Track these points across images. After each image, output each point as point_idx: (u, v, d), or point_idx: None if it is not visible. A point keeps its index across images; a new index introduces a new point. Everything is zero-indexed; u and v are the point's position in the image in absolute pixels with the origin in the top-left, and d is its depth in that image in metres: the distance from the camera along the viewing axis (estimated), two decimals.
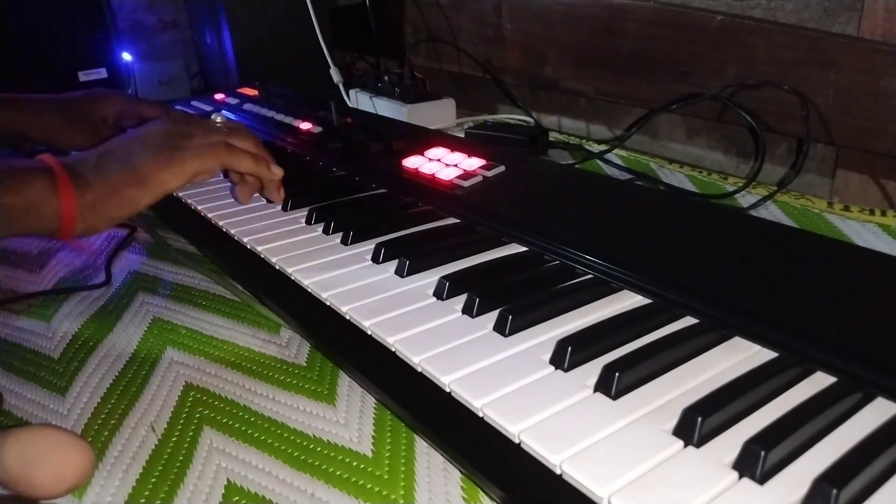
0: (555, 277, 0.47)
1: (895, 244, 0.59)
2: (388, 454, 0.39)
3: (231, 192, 0.64)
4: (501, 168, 0.62)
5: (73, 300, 0.59)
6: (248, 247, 0.57)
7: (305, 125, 0.85)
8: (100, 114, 0.77)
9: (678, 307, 0.42)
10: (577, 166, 0.83)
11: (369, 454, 0.39)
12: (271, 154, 0.60)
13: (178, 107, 1.09)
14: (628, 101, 0.94)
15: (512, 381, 0.36)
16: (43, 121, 0.73)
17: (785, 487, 0.28)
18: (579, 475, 0.29)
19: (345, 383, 0.45)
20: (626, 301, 0.44)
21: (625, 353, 0.37)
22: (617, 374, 0.35)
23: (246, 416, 0.43)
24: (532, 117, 1.04)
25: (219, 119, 0.63)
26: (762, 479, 0.29)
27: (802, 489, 0.28)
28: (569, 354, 0.37)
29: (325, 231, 0.58)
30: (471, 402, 0.35)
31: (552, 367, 0.37)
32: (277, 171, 0.60)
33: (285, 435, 0.41)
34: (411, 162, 0.67)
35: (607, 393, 0.35)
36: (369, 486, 0.37)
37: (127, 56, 1.28)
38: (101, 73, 1.24)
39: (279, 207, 0.64)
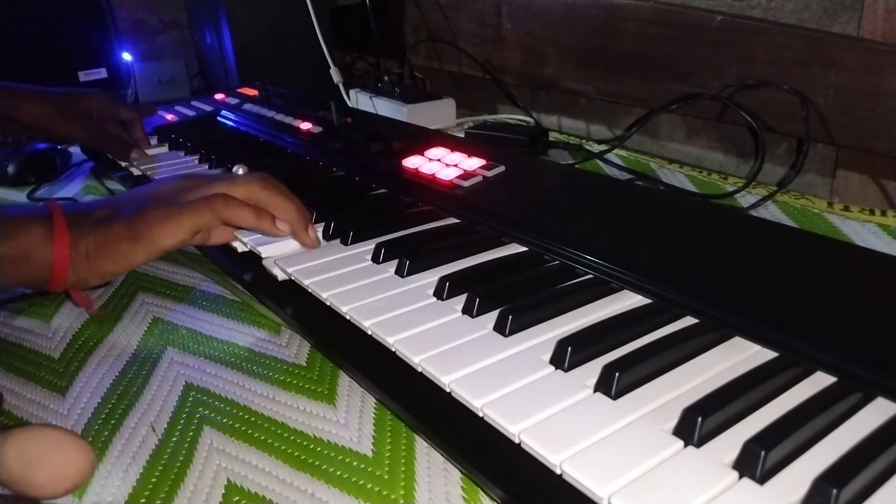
0: (555, 277, 0.47)
1: (895, 244, 0.59)
2: (388, 454, 0.39)
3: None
4: (501, 168, 0.62)
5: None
6: (248, 247, 0.57)
7: (305, 125, 0.85)
8: (85, 108, 0.81)
9: (678, 307, 0.42)
10: (577, 166, 0.83)
11: (369, 454, 0.39)
12: (293, 193, 0.54)
13: (178, 107, 1.09)
14: (628, 101, 0.94)
15: (512, 381, 0.36)
16: (36, 108, 0.75)
17: (785, 487, 0.28)
18: (579, 475, 0.29)
19: (345, 383, 0.45)
20: (626, 301, 0.44)
21: (625, 353, 0.37)
22: (617, 374, 0.35)
23: (246, 416, 0.43)
24: (532, 117, 1.04)
25: (241, 170, 0.58)
26: (762, 479, 0.29)
27: (802, 489, 0.28)
28: (569, 354, 0.37)
29: (325, 231, 0.58)
30: (471, 402, 0.35)
31: (552, 367, 0.37)
32: (283, 227, 0.52)
33: (285, 435, 0.41)
34: (411, 162, 0.67)
35: (607, 393, 0.35)
36: (369, 486, 0.37)
37: (127, 56, 1.28)
38: (101, 73, 1.24)
39: None
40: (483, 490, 0.35)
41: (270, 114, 0.93)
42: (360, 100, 1.11)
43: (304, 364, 0.48)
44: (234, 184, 0.52)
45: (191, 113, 1.05)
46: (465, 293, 0.44)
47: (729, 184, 0.75)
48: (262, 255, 0.54)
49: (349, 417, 0.42)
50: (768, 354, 0.37)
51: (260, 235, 0.57)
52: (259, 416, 0.43)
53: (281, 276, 0.52)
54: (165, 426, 0.42)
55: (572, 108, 1.04)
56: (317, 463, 0.39)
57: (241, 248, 0.56)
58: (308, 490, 0.37)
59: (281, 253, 0.54)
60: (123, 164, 0.85)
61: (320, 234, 0.56)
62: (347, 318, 0.45)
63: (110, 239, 0.47)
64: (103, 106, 0.83)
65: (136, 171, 0.82)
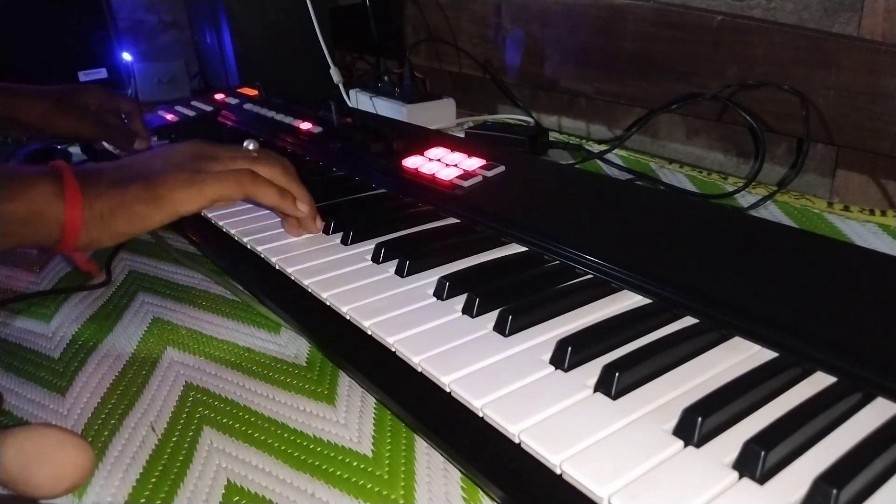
0: (555, 277, 0.47)
1: (895, 244, 0.59)
2: (388, 454, 0.39)
3: (282, 223, 0.59)
4: (501, 168, 0.62)
5: (73, 300, 0.59)
6: (248, 247, 0.57)
7: (305, 125, 0.85)
8: (82, 101, 0.80)
9: (678, 307, 0.42)
10: (577, 166, 0.83)
11: (369, 454, 0.39)
12: (302, 182, 0.56)
13: (178, 107, 1.09)
14: (628, 101, 0.94)
15: (512, 381, 0.36)
16: (35, 107, 0.75)
17: (785, 487, 0.28)
18: (579, 475, 0.29)
19: (345, 383, 0.45)
20: (626, 301, 0.44)
21: (625, 353, 0.37)
22: (617, 374, 0.35)
23: (246, 416, 0.43)
24: (532, 117, 1.04)
25: (252, 145, 0.58)
26: (762, 479, 0.29)
27: (802, 489, 0.28)
28: (569, 354, 0.37)
29: (325, 231, 0.58)
30: (471, 402, 0.35)
31: (552, 367, 0.37)
32: (304, 208, 0.55)
33: (285, 435, 0.41)
34: (411, 162, 0.67)
35: (607, 393, 0.35)
36: (369, 486, 0.37)
37: (127, 56, 1.28)
38: (101, 73, 1.24)
39: None
40: (483, 490, 0.35)
41: (270, 114, 0.93)
42: (360, 100, 1.11)
43: (304, 364, 0.48)
44: (258, 162, 0.53)
45: (191, 113, 1.05)
46: (465, 293, 0.44)
47: (729, 184, 0.75)
48: (262, 253, 0.55)
49: (349, 417, 0.42)
50: (768, 354, 0.37)
51: (260, 235, 0.57)
52: (259, 416, 0.43)
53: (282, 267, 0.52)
54: (165, 426, 0.42)
55: (572, 108, 1.04)
56: (317, 463, 0.39)
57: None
58: (308, 490, 0.37)
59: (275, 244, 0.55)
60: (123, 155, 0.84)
61: (320, 234, 0.57)
62: (347, 318, 0.45)
63: (128, 200, 0.46)
64: (102, 99, 0.83)
65: None
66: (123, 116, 0.86)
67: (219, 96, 1.09)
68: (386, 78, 1.10)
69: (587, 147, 0.89)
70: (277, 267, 0.53)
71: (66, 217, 0.44)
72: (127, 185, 0.47)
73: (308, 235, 0.57)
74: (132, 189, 0.47)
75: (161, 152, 0.52)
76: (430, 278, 0.48)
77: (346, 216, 0.59)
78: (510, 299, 0.43)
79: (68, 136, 0.93)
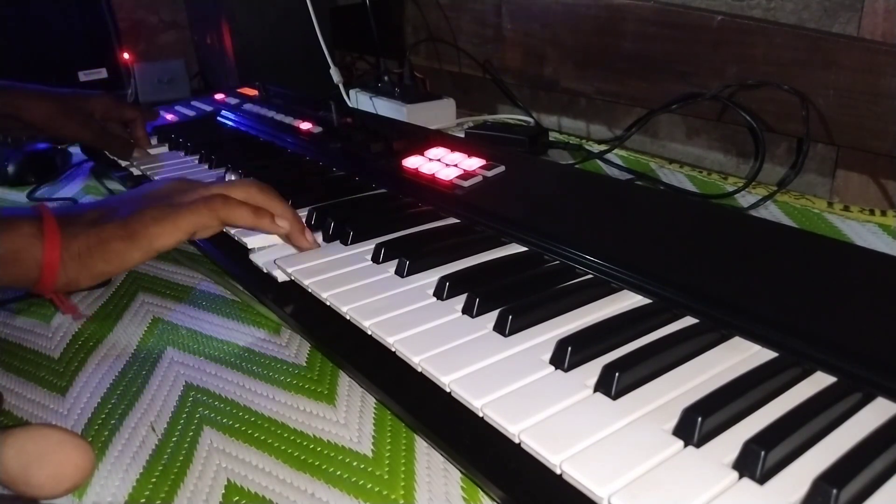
0: (555, 277, 0.47)
1: (895, 244, 0.59)
2: (388, 454, 0.39)
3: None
4: (501, 168, 0.62)
5: (74, 300, 0.59)
6: (248, 246, 0.57)
7: (305, 125, 0.85)
8: (87, 108, 0.81)
9: (678, 307, 0.42)
10: (577, 166, 0.83)
11: (369, 454, 0.39)
12: (282, 201, 0.54)
13: (178, 107, 1.09)
14: (628, 101, 0.94)
15: (512, 381, 0.36)
16: (40, 107, 0.76)
17: (785, 487, 0.28)
18: (579, 475, 0.29)
19: (345, 383, 0.45)
20: (626, 301, 0.44)
21: (625, 353, 0.37)
22: (617, 374, 0.35)
23: (246, 416, 0.43)
24: (532, 117, 1.04)
25: (233, 177, 0.57)
26: (762, 479, 0.29)
27: (802, 489, 0.28)
28: (569, 354, 0.37)
29: (325, 231, 0.58)
30: (471, 402, 0.35)
31: (552, 367, 0.37)
32: (283, 224, 0.53)
33: (285, 435, 0.41)
34: (411, 162, 0.67)
35: (607, 393, 0.35)
36: (369, 486, 0.37)
37: (127, 56, 1.28)
38: (101, 73, 1.24)
39: None
40: (483, 490, 0.35)
41: (270, 114, 0.93)
42: (360, 100, 1.11)
43: (304, 364, 0.48)
44: (230, 186, 0.52)
45: (191, 113, 1.05)
46: (465, 293, 0.44)
47: (729, 184, 0.75)
48: (248, 245, 0.55)
49: (349, 417, 0.42)
50: (768, 354, 0.37)
51: (259, 235, 0.57)
52: (259, 416, 0.43)
53: (281, 276, 0.51)
54: (165, 426, 0.42)
55: (572, 108, 1.04)
56: (317, 463, 0.39)
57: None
58: (308, 490, 0.37)
59: (267, 244, 0.55)
60: (124, 163, 0.85)
61: (320, 238, 0.56)
62: (347, 318, 0.45)
63: (104, 238, 0.46)
64: (106, 107, 0.84)
65: (136, 171, 0.82)
66: (126, 125, 0.87)
67: (219, 96, 1.09)
68: (386, 78, 1.10)
69: (587, 147, 0.89)
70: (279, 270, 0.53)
71: (44, 257, 0.44)
72: (103, 224, 0.47)
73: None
74: (108, 227, 0.47)
75: (140, 191, 0.52)
76: (430, 278, 0.48)
77: (346, 216, 0.58)
78: (510, 299, 0.43)
79: (69, 140, 0.94)
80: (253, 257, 0.54)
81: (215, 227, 0.51)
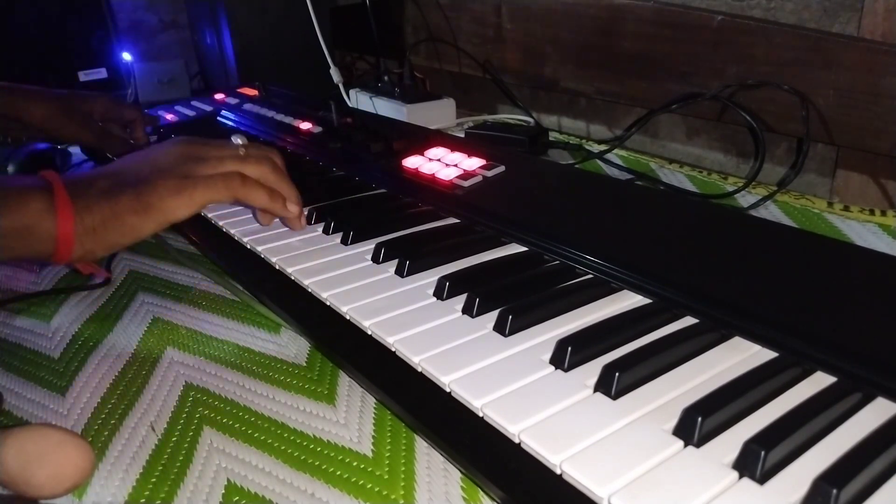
0: (555, 277, 0.47)
1: (895, 244, 0.59)
2: (388, 454, 0.39)
3: (253, 214, 0.60)
4: (501, 168, 0.62)
5: (73, 300, 0.59)
6: (248, 247, 0.57)
7: (305, 125, 0.85)
8: (87, 109, 0.82)
9: (678, 307, 0.42)
10: (577, 166, 0.83)
11: (369, 454, 0.39)
12: (291, 180, 0.56)
13: (178, 107, 1.09)
14: (628, 101, 0.94)
15: (512, 381, 0.36)
16: (40, 107, 0.76)
17: (785, 487, 0.28)
18: (579, 475, 0.29)
19: (345, 383, 0.45)
20: (626, 301, 0.44)
21: (625, 353, 0.37)
22: (617, 374, 0.35)
23: (246, 416, 0.43)
24: (532, 117, 1.04)
25: (239, 140, 0.56)
26: (762, 479, 0.29)
27: (802, 489, 0.28)
28: (569, 354, 0.37)
29: (325, 231, 0.58)
30: (471, 402, 0.35)
31: (552, 367, 0.37)
32: (293, 209, 0.55)
33: (285, 435, 0.41)
34: (411, 162, 0.67)
35: (607, 393, 0.35)
36: (369, 486, 0.37)
37: (127, 56, 1.28)
38: (101, 73, 1.24)
39: None
40: (483, 490, 0.35)
41: (270, 114, 0.93)
42: (360, 100, 1.11)
43: (304, 364, 0.48)
44: (246, 163, 0.53)
45: (191, 113, 1.05)
46: (465, 293, 0.44)
47: (729, 184, 0.75)
48: (264, 255, 0.55)
49: (349, 417, 0.42)
50: (768, 354, 0.37)
51: (260, 235, 0.57)
52: (259, 416, 0.43)
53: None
54: (165, 426, 0.42)
55: (572, 108, 1.04)
56: (317, 463, 0.39)
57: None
58: (308, 490, 0.37)
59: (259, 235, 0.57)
60: None
61: (319, 232, 0.57)
62: (347, 318, 0.45)
63: (119, 211, 0.46)
64: (106, 108, 0.84)
65: None
66: (126, 126, 0.87)
67: (219, 96, 1.09)
68: (386, 78, 1.10)
69: (587, 147, 0.89)
70: (277, 267, 0.53)
71: (58, 231, 0.44)
72: (117, 196, 0.47)
73: (307, 236, 0.57)
74: (122, 200, 0.47)
75: (149, 156, 0.51)
76: (430, 278, 0.48)
77: (346, 216, 0.59)
78: (510, 299, 0.43)
79: (69, 140, 0.94)
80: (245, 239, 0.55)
81: (226, 202, 0.52)
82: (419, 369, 0.39)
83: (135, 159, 0.52)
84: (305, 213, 0.58)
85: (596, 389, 0.35)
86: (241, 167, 0.52)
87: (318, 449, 0.40)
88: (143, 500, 0.37)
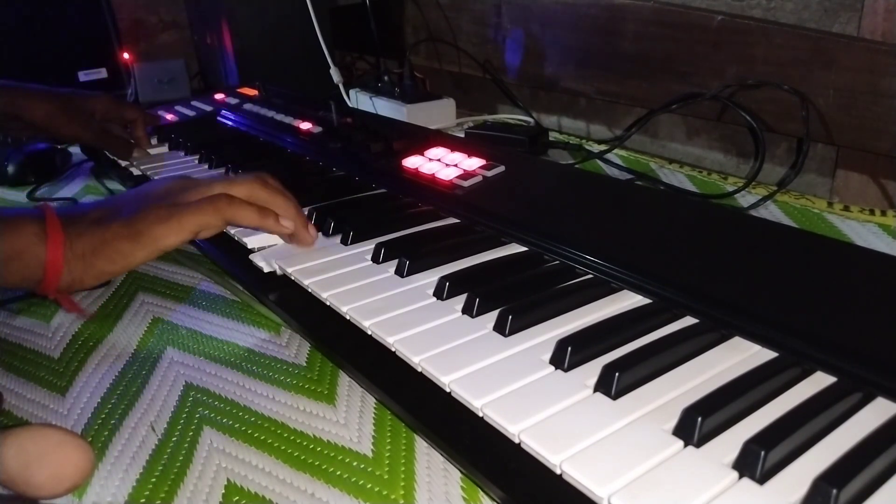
0: (555, 277, 0.47)
1: (895, 244, 0.59)
2: (388, 454, 0.39)
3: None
4: (501, 168, 0.62)
5: (73, 300, 0.59)
6: (249, 247, 0.57)
7: (305, 125, 0.85)
8: (88, 108, 0.82)
9: (678, 307, 0.42)
10: (577, 166, 0.83)
11: (369, 454, 0.39)
12: (291, 196, 0.54)
13: (178, 107, 1.09)
14: (628, 101, 0.94)
15: (512, 381, 0.36)
16: (40, 107, 0.76)
17: (785, 487, 0.28)
18: (579, 475, 0.29)
19: (345, 383, 0.45)
20: (626, 301, 0.44)
21: (625, 353, 0.37)
22: (617, 374, 0.35)
23: (246, 416, 0.43)
24: (532, 117, 1.04)
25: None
26: (762, 479, 0.29)
27: (802, 489, 0.28)
28: (569, 354, 0.37)
29: (325, 231, 0.58)
30: (471, 402, 0.35)
31: (552, 367, 0.37)
32: (287, 224, 0.53)
33: (285, 435, 0.41)
34: (411, 162, 0.67)
35: (607, 393, 0.35)
36: (369, 486, 0.37)
37: (127, 56, 1.28)
38: (101, 73, 1.24)
39: None
40: (483, 490, 0.35)
41: (270, 114, 0.93)
42: (360, 100, 1.11)
43: (304, 364, 0.48)
44: (233, 183, 0.52)
45: (191, 113, 1.05)
46: (465, 293, 0.44)
47: (729, 184, 0.75)
48: (248, 246, 0.55)
49: (349, 417, 0.42)
50: (768, 354, 0.37)
51: (260, 235, 0.57)
52: (259, 416, 0.43)
53: (266, 268, 0.52)
54: (165, 426, 0.42)
55: (572, 108, 1.04)
56: (317, 463, 0.39)
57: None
58: (308, 490, 0.37)
59: (267, 244, 0.55)
60: (124, 163, 0.85)
61: (320, 234, 0.56)
62: (347, 318, 0.45)
63: (109, 238, 0.46)
64: (107, 107, 0.84)
65: (136, 171, 0.82)
66: (127, 125, 0.87)
67: (219, 96, 1.09)
68: (386, 78, 1.10)
69: (587, 147, 0.89)
70: (278, 267, 0.53)
71: (47, 257, 0.44)
72: (107, 224, 0.47)
73: None
74: (112, 227, 0.46)
75: (143, 190, 0.52)
76: (430, 278, 0.48)
77: (346, 216, 0.58)
78: (510, 299, 0.43)
79: (69, 140, 0.94)
80: (253, 258, 0.54)
81: (219, 227, 0.50)
82: (419, 369, 0.39)
83: (128, 194, 0.52)
84: (312, 222, 0.57)
85: (596, 389, 0.35)
86: (228, 188, 0.51)
87: (318, 449, 0.40)
88: (143, 500, 0.37)
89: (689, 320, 0.41)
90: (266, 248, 0.56)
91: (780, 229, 0.49)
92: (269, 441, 0.41)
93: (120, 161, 0.85)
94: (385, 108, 1.05)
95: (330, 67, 1.09)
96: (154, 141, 0.91)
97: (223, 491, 0.37)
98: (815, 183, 0.77)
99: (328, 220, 0.58)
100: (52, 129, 0.79)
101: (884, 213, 0.64)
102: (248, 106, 0.99)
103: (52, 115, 0.77)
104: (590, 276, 0.47)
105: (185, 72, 1.38)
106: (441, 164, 0.65)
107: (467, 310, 0.43)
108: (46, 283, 0.45)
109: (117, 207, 0.49)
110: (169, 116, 1.05)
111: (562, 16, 0.98)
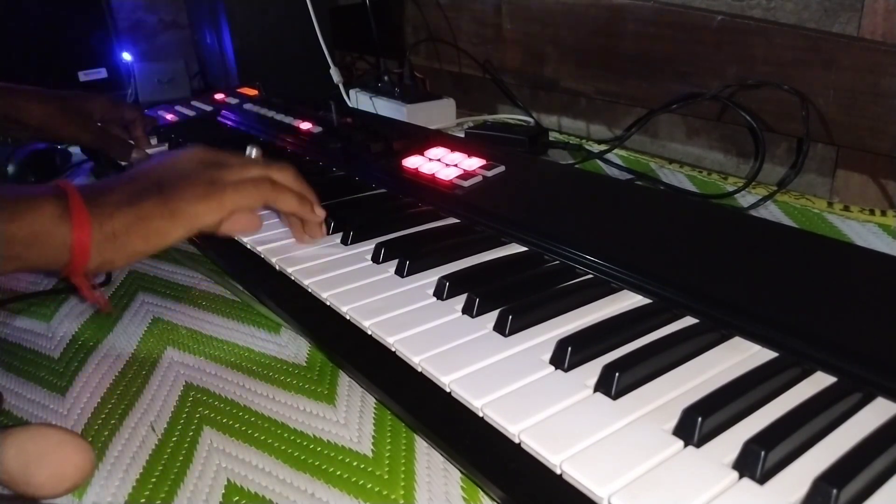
0: (555, 277, 0.47)
1: (895, 244, 0.59)
2: (388, 454, 0.39)
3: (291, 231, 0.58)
4: (501, 168, 0.62)
5: (73, 300, 0.59)
6: (248, 247, 0.57)
7: (305, 125, 0.85)
8: (88, 110, 0.81)
9: (678, 307, 0.42)
10: (577, 166, 0.83)
11: (369, 454, 0.39)
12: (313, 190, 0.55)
13: (178, 107, 1.09)
14: (628, 101, 0.94)
15: (512, 381, 0.36)
16: (38, 108, 0.76)
17: (785, 487, 0.28)
18: (579, 475, 0.29)
19: (345, 383, 0.45)
20: (626, 301, 0.44)
21: (625, 353, 0.37)
22: (617, 374, 0.35)
23: (246, 416, 0.43)
24: (532, 117, 1.04)
25: (254, 152, 0.56)
26: (762, 479, 0.29)
27: (802, 489, 0.28)
28: (569, 354, 0.37)
29: (325, 231, 0.58)
30: (471, 402, 0.35)
31: (552, 367, 0.37)
32: (320, 213, 0.54)
33: (285, 435, 0.41)
34: (411, 162, 0.67)
35: (607, 393, 0.35)
36: (369, 486, 0.37)
37: (127, 56, 1.28)
38: (101, 73, 1.24)
39: None
40: (483, 490, 0.35)
41: (270, 114, 0.93)
42: (360, 100, 1.10)
43: (304, 364, 0.48)
44: (271, 169, 0.52)
45: (191, 113, 1.05)
46: (465, 293, 0.44)
47: (729, 184, 0.75)
48: (263, 255, 0.55)
49: (349, 417, 0.42)
50: (768, 354, 0.37)
51: (259, 235, 0.57)
52: (259, 416, 0.43)
53: (279, 265, 0.52)
54: (165, 426, 0.42)
55: (572, 108, 1.04)
56: (317, 463, 0.39)
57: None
58: (308, 490, 0.37)
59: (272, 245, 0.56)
60: (124, 163, 0.85)
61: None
62: (347, 318, 0.45)
63: (144, 216, 0.44)
64: (106, 108, 0.84)
65: None
66: (126, 126, 0.87)
67: (219, 96, 1.09)
68: (386, 78, 1.10)
69: (587, 147, 0.89)
70: (277, 267, 0.53)
71: (73, 238, 0.41)
72: (139, 201, 0.45)
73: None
74: (146, 205, 0.44)
75: (167, 162, 0.49)
76: (430, 278, 0.48)
77: (346, 216, 0.59)
78: (510, 299, 0.43)
79: (68, 141, 0.94)
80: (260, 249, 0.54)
81: (256, 209, 0.51)
82: (419, 369, 0.39)
83: (153, 166, 0.49)
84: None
85: (596, 389, 0.35)
86: (269, 172, 0.51)
87: (318, 449, 0.40)
88: (143, 501, 0.37)
89: (689, 320, 0.41)
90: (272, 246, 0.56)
91: (780, 229, 0.49)
92: (269, 441, 0.41)
93: (120, 161, 0.86)
94: (385, 108, 1.05)
95: (330, 67, 1.09)
96: (154, 140, 0.91)
97: (223, 491, 0.37)
98: (815, 183, 0.77)
99: (328, 220, 0.58)
100: (51, 130, 0.78)
101: (884, 213, 0.64)
102: (248, 106, 0.99)
103: (50, 117, 0.77)
104: (590, 276, 0.47)
105: (185, 72, 1.38)
106: (441, 164, 0.65)
107: (467, 310, 0.43)
108: (73, 265, 0.42)
109: (145, 183, 0.46)
110: (169, 116, 1.05)
111: (562, 16, 0.98)
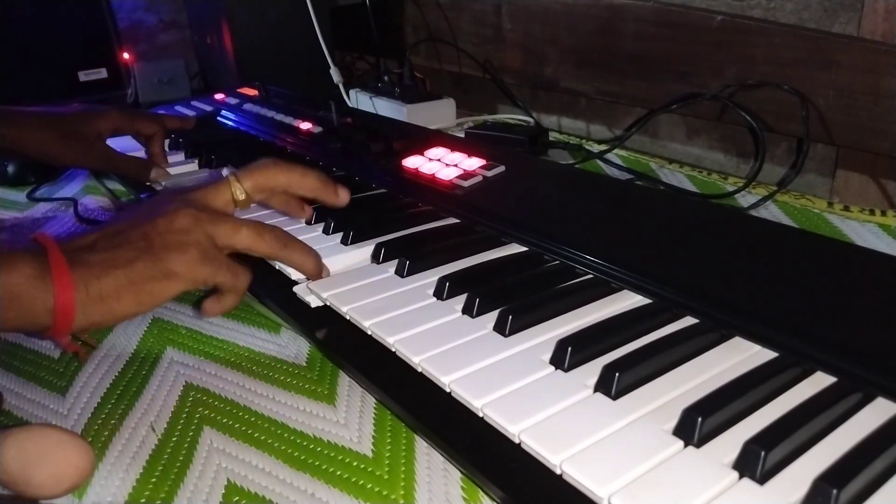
0: (555, 277, 0.47)
1: (895, 244, 0.59)
2: (388, 454, 0.39)
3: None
4: (501, 168, 0.62)
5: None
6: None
7: (305, 125, 0.85)
8: (94, 130, 0.74)
9: (678, 307, 0.42)
10: (577, 166, 0.83)
11: (369, 454, 0.39)
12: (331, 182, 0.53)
13: (178, 107, 1.09)
14: (628, 101, 0.94)
15: (512, 381, 0.36)
16: (35, 136, 0.70)
17: (785, 487, 0.28)
18: (579, 475, 0.29)
19: (345, 383, 0.45)
20: (626, 301, 0.44)
21: (625, 353, 0.37)
22: (617, 374, 0.35)
23: (246, 416, 0.43)
24: (532, 117, 1.04)
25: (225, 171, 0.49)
26: (762, 479, 0.29)
27: (802, 489, 0.28)
28: (569, 354, 0.37)
29: (325, 231, 0.58)
30: (471, 402, 0.35)
31: (552, 367, 0.37)
32: (346, 195, 0.53)
33: (285, 435, 0.41)
34: (411, 162, 0.67)
35: (607, 393, 0.35)
36: (369, 486, 0.37)
37: (127, 56, 1.28)
38: (101, 73, 1.24)
39: None
40: (483, 490, 0.35)
41: (270, 114, 0.93)
42: (360, 100, 1.11)
43: (304, 364, 0.48)
44: (254, 226, 0.47)
45: (191, 113, 1.05)
46: (465, 293, 0.44)
47: (729, 184, 0.75)
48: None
49: (349, 417, 0.42)
50: (768, 354, 0.37)
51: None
52: (259, 416, 0.43)
53: (315, 302, 0.48)
54: (165, 426, 0.42)
55: (572, 108, 1.04)
56: (317, 463, 0.39)
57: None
58: (308, 490, 0.37)
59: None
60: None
61: (320, 234, 0.57)
62: (347, 318, 0.45)
63: (136, 280, 0.40)
64: (117, 124, 0.76)
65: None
66: (147, 140, 0.80)
67: (219, 96, 1.09)
68: (386, 78, 1.10)
69: (587, 147, 0.89)
70: (277, 267, 0.53)
71: (56, 301, 0.38)
72: (130, 262, 0.41)
73: (307, 235, 0.57)
74: (137, 266, 0.41)
75: (159, 214, 0.44)
76: (430, 278, 0.48)
77: (345, 216, 0.58)
78: (510, 299, 0.43)
79: (71, 166, 0.88)
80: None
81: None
82: (419, 369, 0.39)
83: (139, 217, 0.44)
84: (319, 229, 0.58)
85: (596, 389, 0.35)
86: (257, 230, 0.47)
87: (318, 449, 0.40)
88: (143, 500, 0.37)
89: (689, 320, 0.41)
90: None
91: (780, 229, 0.49)
92: (270, 441, 0.41)
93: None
94: (385, 108, 1.05)
95: (330, 67, 1.09)
96: (180, 157, 0.84)
97: (223, 491, 0.37)
98: (815, 183, 0.77)
99: (328, 220, 0.58)
100: (49, 158, 0.72)
101: (884, 213, 0.64)
102: (248, 106, 0.99)
103: (47, 145, 0.71)
104: (590, 276, 0.47)
105: (185, 72, 1.38)
106: (441, 164, 0.65)
107: (467, 310, 0.43)
108: (57, 329, 0.39)
109: (134, 237, 0.42)
110: None
111: (562, 16, 0.98)
